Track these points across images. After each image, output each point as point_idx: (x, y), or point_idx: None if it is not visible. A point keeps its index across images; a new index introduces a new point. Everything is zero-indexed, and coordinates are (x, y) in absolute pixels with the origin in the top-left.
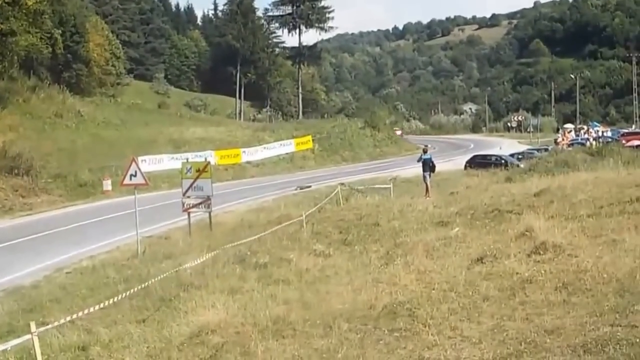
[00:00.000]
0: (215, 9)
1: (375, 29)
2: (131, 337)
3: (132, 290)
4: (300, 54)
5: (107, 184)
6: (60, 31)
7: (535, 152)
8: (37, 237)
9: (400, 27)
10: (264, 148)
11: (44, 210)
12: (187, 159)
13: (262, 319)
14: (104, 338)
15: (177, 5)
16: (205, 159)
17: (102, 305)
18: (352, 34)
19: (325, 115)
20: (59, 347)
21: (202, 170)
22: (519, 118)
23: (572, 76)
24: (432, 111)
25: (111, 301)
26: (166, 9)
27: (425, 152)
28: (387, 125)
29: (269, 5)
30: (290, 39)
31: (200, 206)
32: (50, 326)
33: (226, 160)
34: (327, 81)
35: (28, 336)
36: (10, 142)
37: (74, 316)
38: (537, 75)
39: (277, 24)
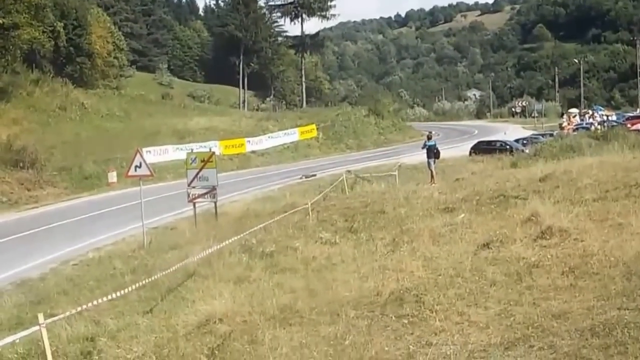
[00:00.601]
0: None
1: (377, 17)
2: (139, 327)
3: (140, 283)
4: (303, 43)
5: (112, 176)
6: (62, 24)
7: (540, 137)
8: (43, 230)
9: (403, 15)
10: (269, 137)
11: (50, 203)
12: (192, 150)
13: (269, 308)
14: (112, 329)
15: None
16: (210, 149)
17: (110, 297)
18: (355, 22)
19: (329, 104)
20: (67, 339)
21: (206, 160)
22: (523, 103)
23: (576, 61)
24: (436, 98)
25: (119, 293)
26: (168, 0)
27: (429, 138)
28: (391, 113)
29: None
30: (292, 28)
31: (206, 196)
32: (58, 318)
33: (231, 150)
34: (331, 70)
35: (36, 328)
36: (15, 135)
37: (82, 307)
38: (541, 61)
39: (279, 13)
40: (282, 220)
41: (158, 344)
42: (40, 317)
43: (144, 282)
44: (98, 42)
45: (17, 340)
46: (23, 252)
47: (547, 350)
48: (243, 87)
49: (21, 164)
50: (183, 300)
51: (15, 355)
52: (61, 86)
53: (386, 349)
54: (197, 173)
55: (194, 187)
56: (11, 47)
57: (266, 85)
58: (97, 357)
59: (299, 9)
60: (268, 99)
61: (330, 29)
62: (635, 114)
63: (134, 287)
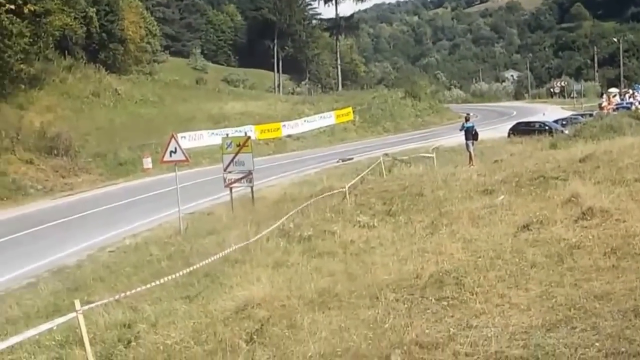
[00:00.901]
0: None
1: None
2: (176, 313)
3: (180, 272)
4: (338, 25)
5: (148, 162)
6: (94, 10)
7: (580, 117)
8: (79, 217)
9: None
10: (304, 121)
11: (85, 190)
12: (227, 134)
13: (307, 292)
14: (149, 315)
15: None
16: (245, 133)
17: (148, 286)
18: (390, 3)
19: (365, 87)
20: (104, 325)
21: (242, 145)
22: (562, 84)
23: (615, 39)
24: (473, 79)
25: (158, 282)
26: None
27: (467, 120)
28: (428, 95)
29: None
30: (326, 11)
31: (242, 181)
32: (94, 304)
33: (266, 135)
34: (366, 52)
35: (73, 314)
36: (49, 122)
37: (120, 295)
38: (579, 40)
39: None
40: (319, 204)
41: (196, 330)
42: (77, 303)
43: (185, 271)
44: (130, 28)
45: (55, 328)
46: (59, 240)
47: (590, 332)
48: (278, 71)
49: (55, 151)
50: (221, 285)
51: (53, 343)
52: (94, 72)
53: (426, 331)
54: (233, 158)
55: (230, 172)
56: (43, 33)
57: (301, 68)
58: (134, 344)
59: None
60: (303, 82)
61: (365, 10)
62: None
63: (175, 274)
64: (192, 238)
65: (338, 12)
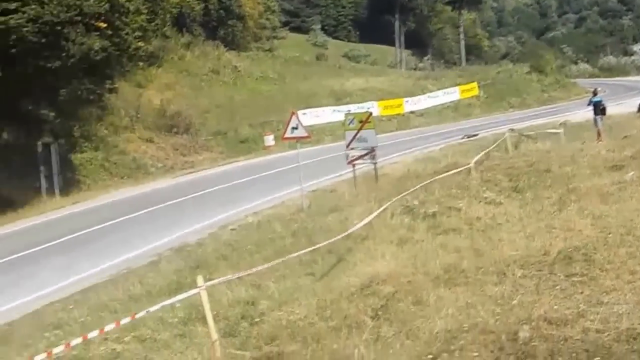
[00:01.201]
0: None
1: None
2: (300, 290)
3: (304, 250)
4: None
5: (269, 139)
6: None
7: None
8: (200, 195)
9: None
10: (428, 97)
11: (205, 168)
12: (349, 111)
13: (433, 268)
14: (273, 292)
15: None
16: (368, 110)
17: (271, 264)
18: None
19: (489, 62)
20: (227, 303)
21: (365, 121)
22: None
23: None
24: (601, 53)
25: (280, 260)
26: None
27: (595, 94)
28: (554, 69)
29: None
30: None
31: (365, 158)
32: (217, 281)
33: (389, 111)
34: (489, 26)
35: (196, 290)
36: (168, 100)
37: (243, 273)
38: None
39: None
40: (444, 181)
41: (320, 306)
42: (200, 279)
43: (309, 249)
44: (248, 4)
45: (178, 305)
46: (180, 218)
47: None
48: (400, 46)
49: (175, 130)
50: (345, 262)
51: (176, 320)
52: (213, 49)
53: (555, 307)
54: (356, 134)
55: (352, 149)
56: (160, 11)
57: (423, 43)
58: (258, 319)
59: None
60: (426, 57)
61: None
62: None
63: (298, 252)
64: (315, 215)
65: None
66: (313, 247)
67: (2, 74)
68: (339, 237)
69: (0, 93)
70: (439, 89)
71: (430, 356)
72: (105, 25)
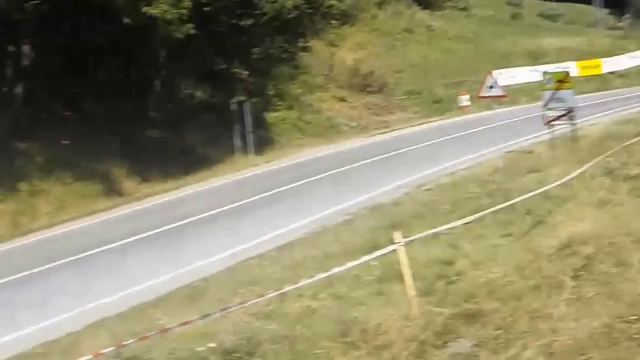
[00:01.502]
0: None
1: None
2: (497, 250)
3: (498, 207)
4: None
5: (464, 99)
6: None
7: None
8: (393, 155)
9: None
10: (628, 57)
11: (399, 127)
12: (546, 71)
13: (636, 230)
14: (470, 252)
15: None
16: (565, 69)
17: (465, 221)
18: None
19: None
20: (423, 262)
21: (562, 80)
22: None
23: None
24: None
25: (475, 216)
26: None
27: None
28: None
29: None
30: None
31: (563, 118)
32: (412, 237)
33: (587, 72)
34: None
35: (393, 247)
36: (360, 60)
37: (437, 229)
38: None
39: None
40: None
41: (519, 266)
42: (397, 235)
43: (504, 204)
44: None
45: (374, 263)
46: (374, 177)
47: None
48: (598, 5)
49: (369, 89)
50: (542, 223)
51: (372, 278)
52: (406, 8)
53: None
54: (553, 94)
55: (549, 109)
56: None
57: (622, 2)
58: (455, 278)
59: None
60: (625, 16)
61: None
62: None
63: (494, 210)
64: (512, 176)
65: None
66: (509, 204)
67: (196, 32)
68: (537, 197)
69: (194, 52)
70: (639, 49)
71: (634, 317)
72: None
